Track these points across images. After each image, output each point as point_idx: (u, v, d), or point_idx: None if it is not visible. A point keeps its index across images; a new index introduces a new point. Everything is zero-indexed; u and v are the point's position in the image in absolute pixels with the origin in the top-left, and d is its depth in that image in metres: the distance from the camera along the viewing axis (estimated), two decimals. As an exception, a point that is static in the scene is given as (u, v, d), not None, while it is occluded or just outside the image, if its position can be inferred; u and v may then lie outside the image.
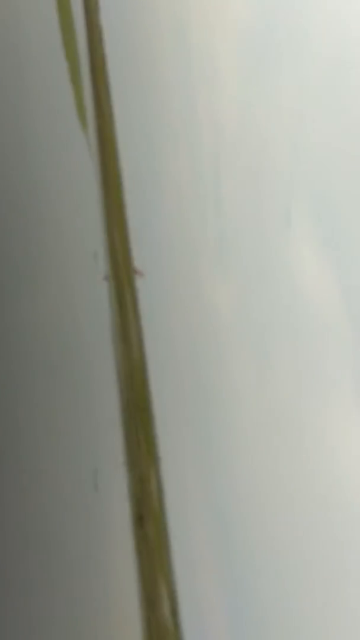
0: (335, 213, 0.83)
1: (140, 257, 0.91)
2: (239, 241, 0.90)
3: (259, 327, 0.87)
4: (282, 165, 0.85)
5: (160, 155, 0.86)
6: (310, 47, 0.88)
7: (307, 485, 0.77)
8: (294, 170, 0.85)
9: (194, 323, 0.90)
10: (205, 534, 0.82)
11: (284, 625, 0.73)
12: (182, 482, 0.89)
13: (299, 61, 0.88)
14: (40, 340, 0.87)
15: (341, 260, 0.83)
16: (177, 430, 0.90)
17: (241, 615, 0.75)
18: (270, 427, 0.82)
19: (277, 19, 0.91)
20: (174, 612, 0.80)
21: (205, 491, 0.88)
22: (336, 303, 0.84)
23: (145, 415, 0.92)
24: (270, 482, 0.81)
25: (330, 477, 0.75)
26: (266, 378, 0.87)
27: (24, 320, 0.87)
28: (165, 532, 0.83)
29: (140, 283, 0.91)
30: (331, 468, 0.77)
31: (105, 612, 0.84)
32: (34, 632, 0.72)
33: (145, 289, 0.94)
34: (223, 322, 0.91)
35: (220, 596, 0.77)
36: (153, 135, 0.86)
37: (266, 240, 0.86)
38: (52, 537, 0.78)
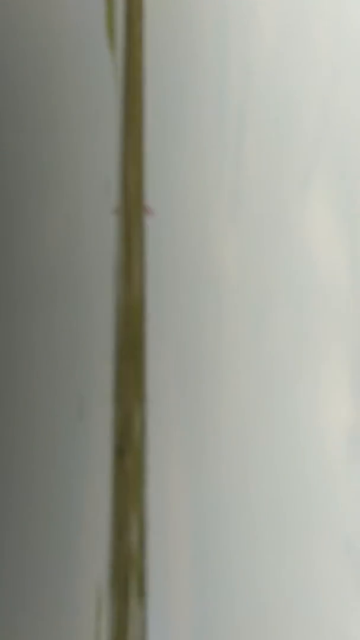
0: (355, 182, 0.81)
1: (152, 195, 0.89)
2: (254, 195, 0.88)
3: (261, 283, 0.87)
4: (309, 124, 0.83)
5: (186, 95, 0.84)
6: (351, 4, 0.84)
7: (290, 440, 0.78)
8: (321, 131, 0.83)
9: (198, 270, 0.90)
10: (181, 474, 0.85)
11: (245, 562, 0.77)
12: (165, 422, 0.91)
13: (338, 18, 0.84)
14: (43, 266, 0.86)
15: (353, 231, 0.82)
16: (167, 372, 0.92)
17: (206, 551, 0.78)
18: (260, 382, 0.83)
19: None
20: (142, 542, 0.84)
21: (186, 434, 0.90)
22: (342, 272, 0.83)
23: (138, 354, 0.94)
24: (253, 434, 0.82)
25: (314, 437, 0.76)
26: (262, 334, 0.87)
27: (30, 243, 0.86)
28: (143, 468, 0.86)
29: (149, 221, 0.90)
30: (317, 428, 0.78)
31: (77, 533, 0.87)
32: (15, 546, 0.75)
33: (154, 228, 0.93)
34: (227, 274, 0.91)
35: (188, 531, 0.80)
36: (181, 73, 0.83)
37: (281, 198, 0.85)
38: (35, 456, 0.80)
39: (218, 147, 0.86)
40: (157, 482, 0.73)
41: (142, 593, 0.72)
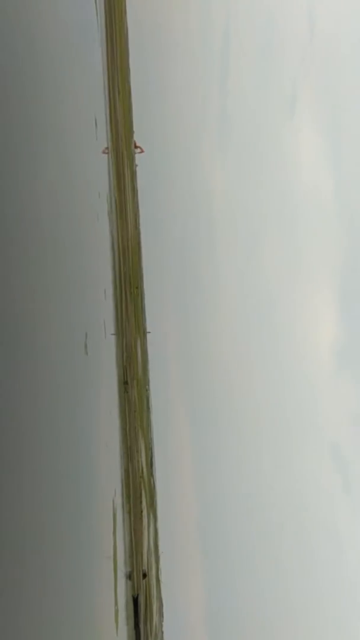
0: (341, 106, 0.93)
1: (141, 130, 1.04)
2: (241, 123, 1.03)
3: (251, 209, 1.05)
4: (295, 45, 0.94)
5: (169, 22, 0.94)
6: None
7: (280, 355, 1.01)
8: (307, 53, 0.94)
9: (189, 203, 1.08)
10: (182, 400, 1.07)
11: (241, 471, 0.97)
12: (165, 354, 1.14)
13: None
14: (39, 211, 1.00)
15: (339, 154, 0.96)
16: (164, 306, 1.14)
17: (206, 465, 0.98)
18: (250, 307, 1.04)
19: None
20: (150, 463, 1.11)
21: (185, 364, 1.13)
22: (329, 195, 0.99)
23: (136, 290, 1.17)
24: (245, 354, 1.04)
25: (299, 352, 0.96)
26: (252, 262, 1.07)
27: (25, 189, 0.98)
28: (147, 397, 1.12)
29: (139, 158, 1.05)
30: (302, 343, 1.00)
31: (90, 459, 1.11)
32: (35, 467, 0.93)
33: (144, 165, 1.10)
34: (217, 205, 1.09)
35: (190, 452, 1.02)
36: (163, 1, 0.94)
37: (268, 125, 0.99)
38: (46, 388, 0.98)
39: (203, 74, 0.97)
40: (160, 409, 0.91)
41: (153, 505, 0.89)
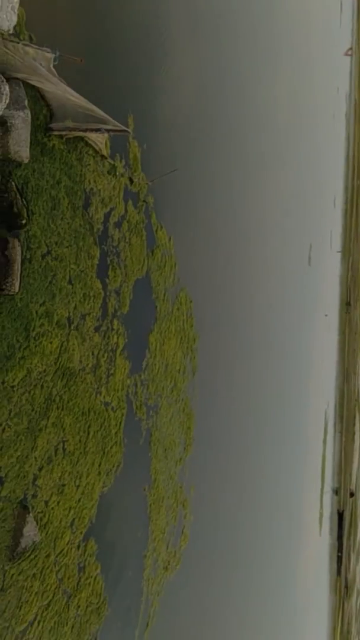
0: None
1: None
2: None
3: None
4: None
5: None
6: None
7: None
8: None
9: None
10: None
11: None
12: None
13: None
14: (277, 102, 0.90)
15: None
16: None
17: None
18: None
19: None
20: None
21: None
22: None
23: None
24: None
25: None
26: None
27: (265, 77, 0.90)
28: None
29: None
30: None
31: (305, 370, 1.02)
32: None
33: None
34: None
35: None
36: None
37: None
38: (269, 290, 0.92)
39: None
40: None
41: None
